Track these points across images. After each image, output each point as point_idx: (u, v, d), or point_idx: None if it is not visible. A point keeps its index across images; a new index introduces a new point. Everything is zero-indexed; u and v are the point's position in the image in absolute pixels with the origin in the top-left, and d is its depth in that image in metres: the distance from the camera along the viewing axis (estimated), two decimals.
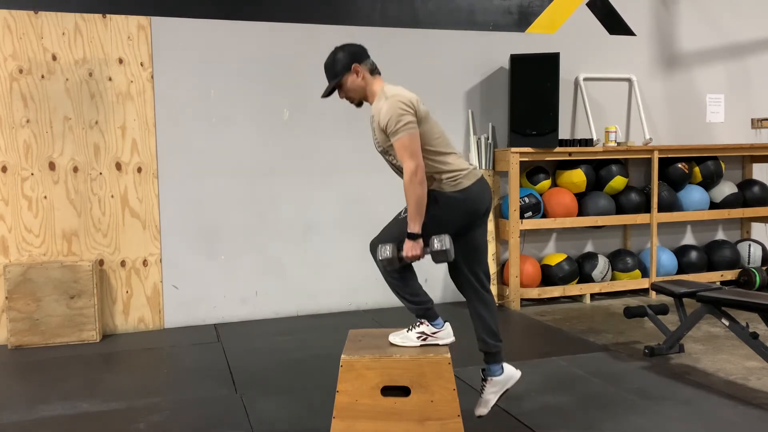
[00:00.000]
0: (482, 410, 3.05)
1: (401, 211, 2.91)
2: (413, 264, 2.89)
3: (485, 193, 2.91)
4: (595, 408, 3.39)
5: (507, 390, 3.07)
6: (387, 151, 2.85)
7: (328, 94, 2.97)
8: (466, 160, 2.92)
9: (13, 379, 4.09)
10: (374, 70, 2.91)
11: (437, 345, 2.89)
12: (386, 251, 2.77)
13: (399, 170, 2.85)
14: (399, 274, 2.88)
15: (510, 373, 3.06)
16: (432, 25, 5.71)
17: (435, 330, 2.89)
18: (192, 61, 5.16)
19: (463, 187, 2.84)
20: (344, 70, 2.89)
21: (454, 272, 3.03)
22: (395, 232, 2.86)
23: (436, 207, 2.80)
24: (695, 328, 4.64)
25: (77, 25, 4.88)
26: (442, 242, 2.71)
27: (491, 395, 3.04)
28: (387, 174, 5.47)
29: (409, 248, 2.73)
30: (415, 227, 2.72)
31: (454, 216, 2.85)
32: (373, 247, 2.92)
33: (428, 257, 2.81)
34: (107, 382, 3.96)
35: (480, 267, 3.01)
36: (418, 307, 2.91)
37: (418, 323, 2.93)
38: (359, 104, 2.99)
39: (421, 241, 2.74)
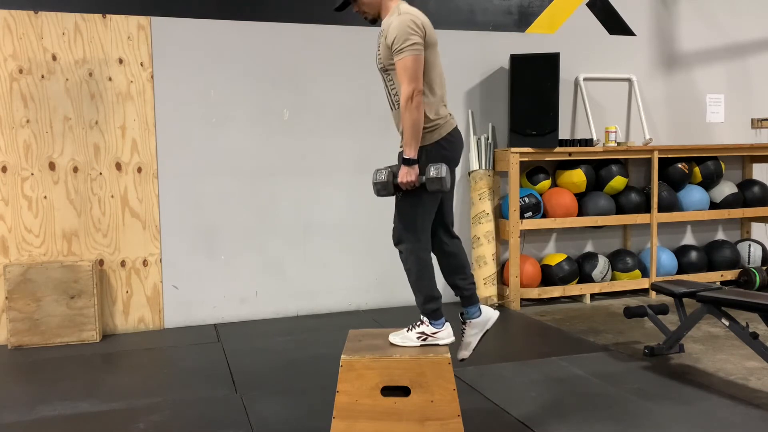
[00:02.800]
0: (464, 353, 3.06)
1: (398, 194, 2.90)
2: (433, 259, 2.89)
3: (461, 139, 2.92)
4: (595, 408, 3.39)
5: (487, 331, 3.07)
6: (386, 69, 2.79)
7: (342, 6, 2.91)
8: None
9: (13, 379, 4.09)
10: None
11: (437, 345, 2.89)
12: (381, 175, 2.73)
13: (392, 95, 2.79)
14: (420, 264, 2.84)
15: (488, 314, 3.06)
16: (432, 25, 5.70)
17: (435, 330, 2.89)
18: (192, 61, 5.16)
19: (445, 133, 2.81)
20: None
21: None
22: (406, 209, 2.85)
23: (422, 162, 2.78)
24: (695, 328, 4.64)
25: (77, 25, 4.88)
26: (438, 170, 2.65)
27: (472, 338, 3.04)
28: None
29: (404, 174, 2.69)
30: (410, 152, 2.67)
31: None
32: (395, 234, 2.90)
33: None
34: (107, 382, 3.96)
35: (450, 215, 3.02)
36: (426, 306, 2.90)
37: (418, 323, 2.93)
38: (372, 21, 2.93)
39: (416, 167, 2.69)
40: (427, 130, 2.78)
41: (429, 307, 2.90)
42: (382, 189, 2.76)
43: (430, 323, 2.90)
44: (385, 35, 2.73)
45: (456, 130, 2.89)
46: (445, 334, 2.92)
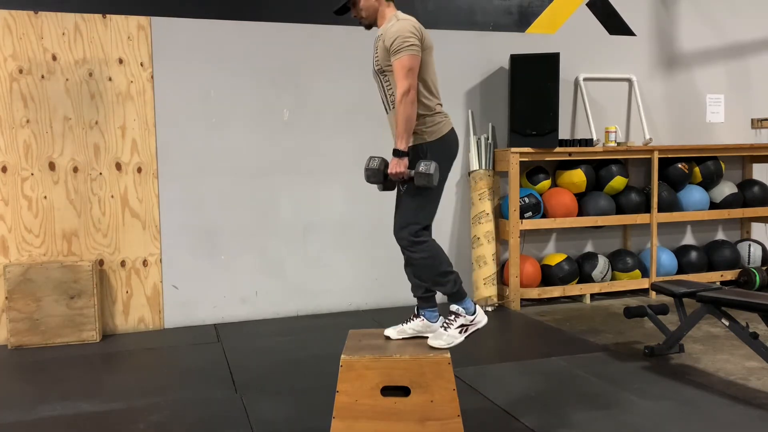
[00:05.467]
0: (392, 333, 3.00)
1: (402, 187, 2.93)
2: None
3: (457, 139, 3.02)
4: (595, 408, 3.39)
5: (426, 337, 3.01)
6: (383, 71, 2.90)
7: (341, 9, 3.02)
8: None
9: (13, 379, 4.09)
10: None
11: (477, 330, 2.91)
12: (374, 162, 2.87)
13: (389, 96, 2.90)
14: (431, 249, 2.87)
15: (436, 327, 3.01)
16: (432, 25, 5.70)
17: (471, 317, 2.90)
18: (192, 61, 5.16)
19: (444, 133, 2.91)
20: None
21: None
22: (410, 203, 2.88)
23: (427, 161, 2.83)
24: (695, 328, 4.64)
25: (77, 25, 4.88)
26: (428, 166, 2.74)
27: (411, 330, 2.99)
28: None
29: (395, 164, 2.80)
30: (401, 144, 2.79)
31: (443, 164, 2.91)
32: (396, 229, 2.92)
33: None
34: (107, 382, 3.96)
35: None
36: (454, 287, 2.89)
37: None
38: (368, 26, 3.05)
39: (406, 159, 2.80)
40: (429, 126, 2.89)
41: (456, 287, 2.89)
42: (372, 176, 2.89)
43: (464, 308, 2.90)
44: (383, 39, 2.86)
45: (453, 130, 3.00)
46: (480, 315, 2.95)
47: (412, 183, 2.81)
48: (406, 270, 3.02)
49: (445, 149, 2.92)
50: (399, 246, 2.93)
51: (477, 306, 2.97)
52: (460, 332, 2.89)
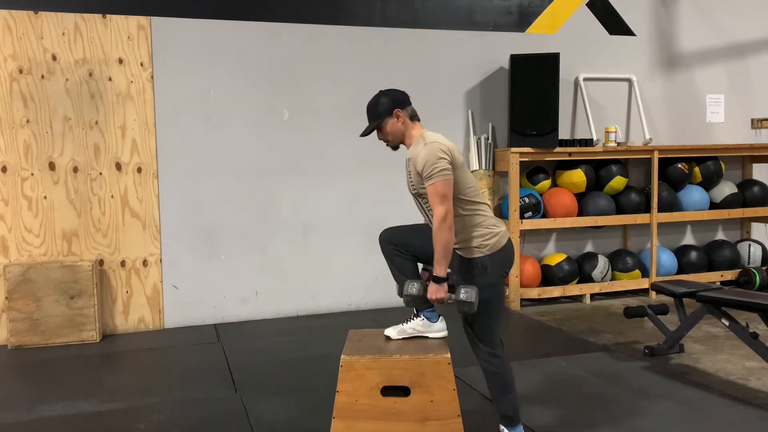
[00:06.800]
0: (392, 333, 3.02)
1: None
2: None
3: (513, 250, 2.98)
4: (595, 408, 3.39)
5: (426, 337, 3.04)
6: (420, 194, 2.88)
7: (367, 133, 3.04)
8: (493, 214, 2.99)
9: (13, 379, 4.09)
10: (414, 117, 2.97)
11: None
12: (413, 288, 2.83)
13: (430, 216, 2.88)
14: (504, 368, 2.94)
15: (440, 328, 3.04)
16: (432, 25, 5.71)
17: None
18: (192, 61, 5.16)
19: (502, 246, 2.87)
20: (387, 114, 2.94)
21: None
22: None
23: (488, 276, 2.83)
24: (695, 328, 4.64)
25: (77, 25, 4.88)
26: (468, 293, 2.72)
27: (412, 330, 3.02)
28: (387, 174, 5.49)
29: (434, 291, 2.76)
30: (441, 271, 2.75)
31: (502, 277, 2.91)
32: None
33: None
34: (107, 382, 3.96)
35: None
36: (502, 407, 2.96)
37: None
38: (395, 147, 3.04)
39: (446, 285, 2.77)
40: (486, 239, 2.84)
41: (512, 412, 2.95)
42: (411, 302, 2.85)
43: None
44: (414, 164, 2.84)
45: (510, 241, 2.95)
46: None
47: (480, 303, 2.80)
48: (392, 269, 3.03)
49: (504, 260, 2.89)
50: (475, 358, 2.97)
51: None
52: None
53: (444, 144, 2.81)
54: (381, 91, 3.01)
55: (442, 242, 2.73)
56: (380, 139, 3.03)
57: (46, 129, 4.87)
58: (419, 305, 2.91)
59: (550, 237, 6.16)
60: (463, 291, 2.73)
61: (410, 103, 2.97)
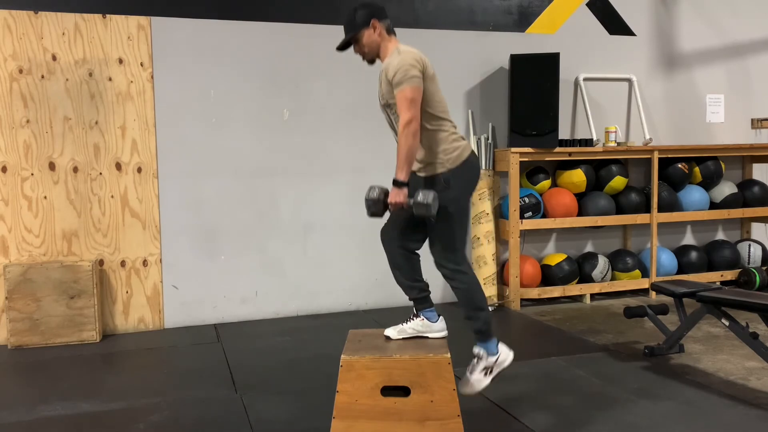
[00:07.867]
0: (393, 333, 3.01)
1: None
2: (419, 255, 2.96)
3: (478, 163, 3.02)
4: (595, 408, 3.39)
5: (426, 337, 3.04)
6: (389, 105, 2.91)
7: (343, 46, 3.02)
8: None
9: (13, 379, 4.09)
10: (390, 30, 2.98)
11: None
12: (374, 192, 2.86)
13: (397, 130, 2.89)
14: (469, 280, 2.92)
15: (440, 327, 3.05)
16: (432, 25, 5.71)
17: (493, 357, 2.94)
18: (192, 61, 5.16)
19: (464, 159, 2.91)
20: (363, 24, 2.94)
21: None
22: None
23: (451, 190, 2.85)
24: (695, 328, 4.64)
25: (77, 25, 4.88)
26: (425, 196, 2.74)
27: (411, 329, 3.01)
28: (387, 174, 5.48)
29: (394, 195, 2.79)
30: (401, 175, 2.78)
31: (466, 192, 2.94)
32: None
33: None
34: (107, 382, 3.96)
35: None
36: (487, 325, 2.94)
37: (474, 360, 2.97)
38: (371, 61, 3.05)
39: (406, 189, 2.79)
40: (448, 154, 2.89)
41: (486, 326, 2.92)
42: (372, 205, 2.87)
43: (486, 350, 2.95)
44: (386, 72, 2.85)
45: (474, 153, 2.99)
46: (504, 354, 2.97)
47: (438, 215, 2.81)
48: (394, 273, 3.03)
49: (467, 174, 2.92)
50: (441, 274, 2.96)
51: (500, 345, 2.99)
52: (485, 375, 2.93)
53: (418, 55, 2.84)
54: (357, 4, 2.99)
55: (405, 147, 2.76)
56: (356, 53, 3.03)
57: (46, 129, 4.87)
58: (380, 210, 2.88)
59: (550, 237, 6.16)
60: (420, 194, 2.76)
61: (387, 16, 2.98)
